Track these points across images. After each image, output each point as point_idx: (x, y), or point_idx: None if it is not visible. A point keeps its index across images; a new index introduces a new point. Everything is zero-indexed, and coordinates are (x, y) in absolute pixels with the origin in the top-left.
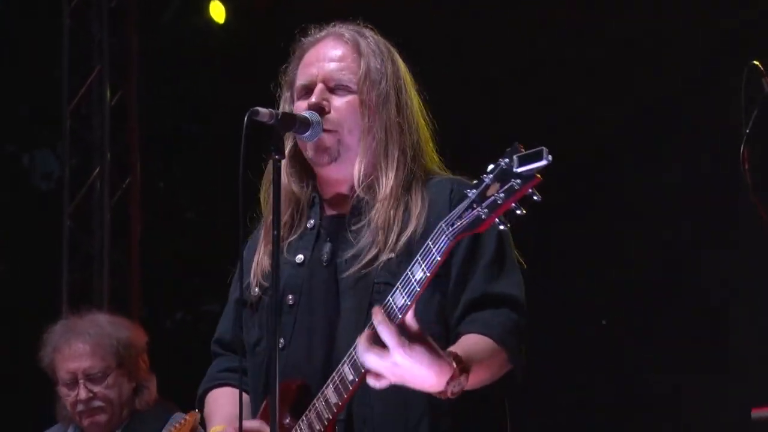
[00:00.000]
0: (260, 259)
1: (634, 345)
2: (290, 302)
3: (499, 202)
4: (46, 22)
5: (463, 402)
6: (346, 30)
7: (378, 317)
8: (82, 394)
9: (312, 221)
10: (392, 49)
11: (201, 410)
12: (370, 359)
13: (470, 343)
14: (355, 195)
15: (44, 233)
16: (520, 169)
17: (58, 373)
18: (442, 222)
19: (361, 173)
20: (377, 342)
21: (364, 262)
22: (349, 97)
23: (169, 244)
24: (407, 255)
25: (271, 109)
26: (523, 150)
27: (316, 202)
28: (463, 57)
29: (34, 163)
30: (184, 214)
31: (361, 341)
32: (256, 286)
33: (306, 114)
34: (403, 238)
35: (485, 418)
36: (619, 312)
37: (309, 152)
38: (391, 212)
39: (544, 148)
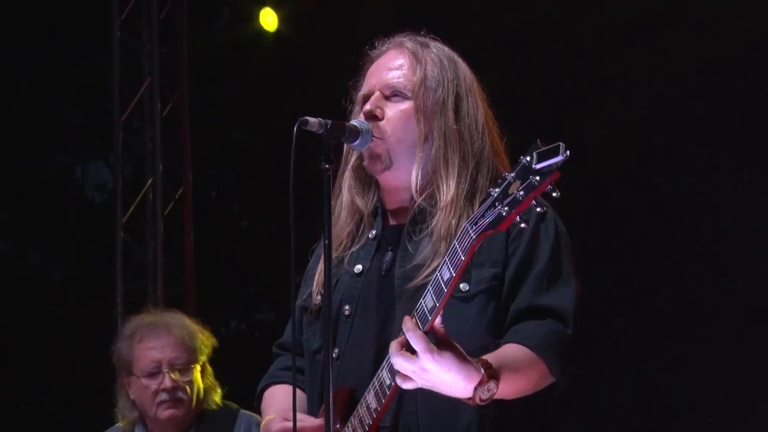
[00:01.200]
0: (322, 269)
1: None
2: (347, 312)
3: (519, 199)
4: (97, 34)
5: (510, 414)
6: (408, 40)
7: (407, 324)
8: (167, 382)
9: (374, 231)
10: (457, 59)
11: (259, 406)
12: (399, 362)
13: (506, 351)
14: (415, 204)
15: (98, 244)
16: (538, 166)
17: (140, 363)
18: (466, 222)
19: (419, 180)
20: (408, 348)
21: (425, 273)
22: (404, 105)
23: (222, 253)
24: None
25: (320, 119)
26: (542, 146)
27: (378, 213)
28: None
29: (87, 175)
30: (238, 222)
31: (393, 346)
32: (318, 294)
33: (355, 122)
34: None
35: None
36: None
37: (365, 161)
38: (453, 221)
39: (561, 143)
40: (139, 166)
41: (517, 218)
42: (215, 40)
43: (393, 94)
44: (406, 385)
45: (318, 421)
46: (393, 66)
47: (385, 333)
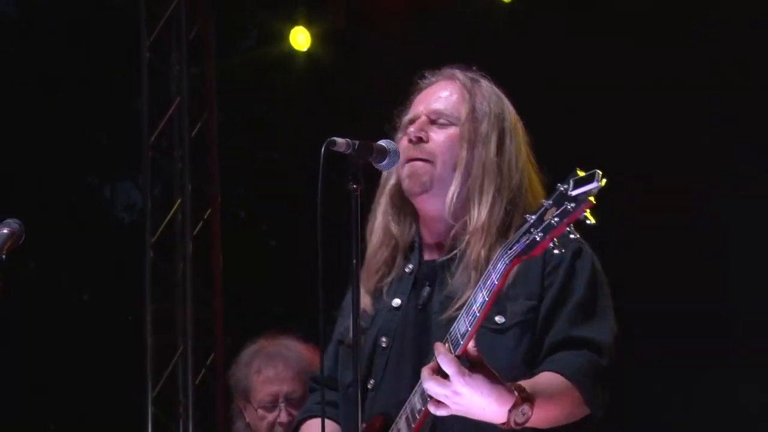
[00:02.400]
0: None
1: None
2: (383, 345)
3: (553, 224)
4: (126, 54)
5: None
6: (459, 72)
7: (439, 349)
8: (284, 417)
9: (411, 266)
10: (504, 98)
11: None
12: (431, 387)
13: (541, 378)
14: (451, 235)
15: (127, 264)
16: (574, 192)
17: (257, 395)
18: (501, 248)
19: (453, 203)
20: (440, 373)
21: (457, 305)
22: (450, 130)
23: (251, 272)
24: (498, 299)
25: (348, 139)
26: (579, 174)
27: (416, 247)
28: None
29: (116, 195)
30: (266, 242)
31: (424, 371)
32: None
33: (383, 143)
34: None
35: None
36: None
37: (404, 181)
38: (483, 252)
39: (597, 171)
40: (168, 187)
41: (551, 244)
42: (244, 60)
43: (439, 119)
44: (440, 412)
45: None
46: (442, 94)
47: (420, 365)
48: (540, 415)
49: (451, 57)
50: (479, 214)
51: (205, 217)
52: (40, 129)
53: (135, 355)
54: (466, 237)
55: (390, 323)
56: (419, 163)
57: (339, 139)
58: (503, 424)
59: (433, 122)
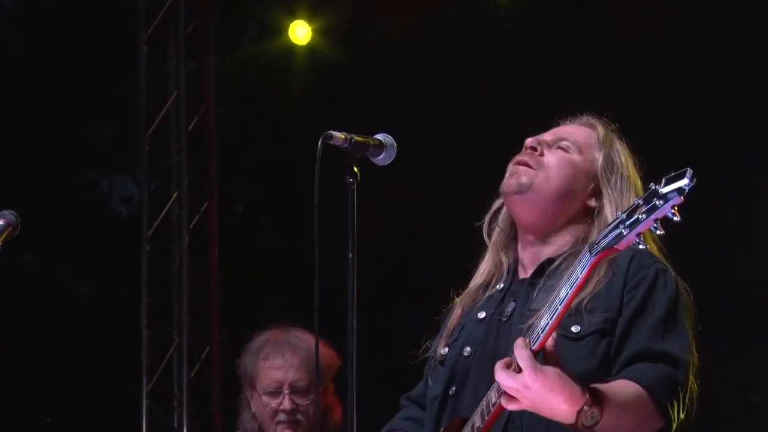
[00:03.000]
0: (449, 321)
1: None
2: (466, 354)
3: (640, 220)
4: (124, 48)
5: None
6: (599, 123)
7: (518, 342)
8: (287, 404)
9: (501, 284)
10: (627, 149)
11: None
12: (503, 378)
13: (616, 384)
14: (545, 258)
15: (124, 257)
16: (664, 190)
17: (262, 381)
18: (587, 245)
19: (555, 227)
20: (515, 368)
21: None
22: (565, 154)
23: (247, 266)
24: (576, 311)
25: (345, 133)
26: (672, 172)
27: (511, 270)
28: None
29: (114, 188)
30: (263, 236)
31: (499, 363)
32: (445, 345)
33: (380, 137)
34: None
35: None
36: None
37: (506, 175)
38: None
39: (689, 168)
40: (165, 180)
41: (636, 239)
42: (243, 54)
43: (558, 142)
44: (511, 406)
45: None
46: (570, 129)
47: None
48: (610, 420)
49: (452, 53)
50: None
51: (202, 210)
52: (38, 122)
53: (131, 347)
54: (570, 265)
55: (474, 334)
56: (524, 167)
57: (336, 133)
58: (571, 425)
59: (550, 145)
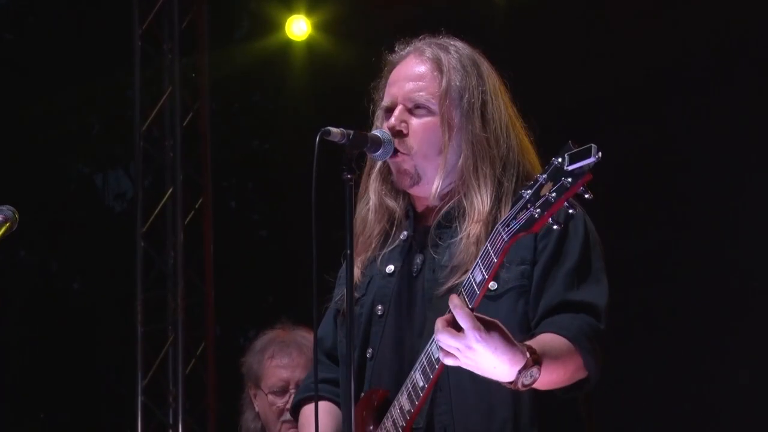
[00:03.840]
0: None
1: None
2: (379, 313)
3: (551, 200)
4: (118, 43)
5: (544, 410)
6: (428, 46)
7: (454, 301)
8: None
9: (405, 233)
10: (479, 60)
11: (296, 418)
12: (445, 338)
13: (545, 339)
14: (444, 207)
15: (118, 253)
16: (570, 167)
17: (268, 380)
18: (498, 224)
19: (440, 189)
20: (454, 326)
21: (454, 278)
22: (428, 119)
23: (242, 262)
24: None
25: (342, 128)
26: (574, 147)
27: (410, 215)
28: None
29: (107, 184)
30: (257, 232)
31: (438, 322)
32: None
33: (377, 133)
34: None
35: (569, 429)
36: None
37: (393, 175)
38: (480, 227)
39: (593, 145)
40: (159, 176)
41: (550, 220)
42: (238, 49)
43: (416, 107)
44: (448, 361)
45: None
46: (413, 76)
47: (415, 335)
48: (545, 377)
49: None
50: (479, 198)
51: (197, 206)
52: (31, 116)
53: (125, 343)
54: (464, 216)
55: (384, 290)
56: (402, 158)
57: (333, 129)
58: (510, 383)
59: (410, 111)
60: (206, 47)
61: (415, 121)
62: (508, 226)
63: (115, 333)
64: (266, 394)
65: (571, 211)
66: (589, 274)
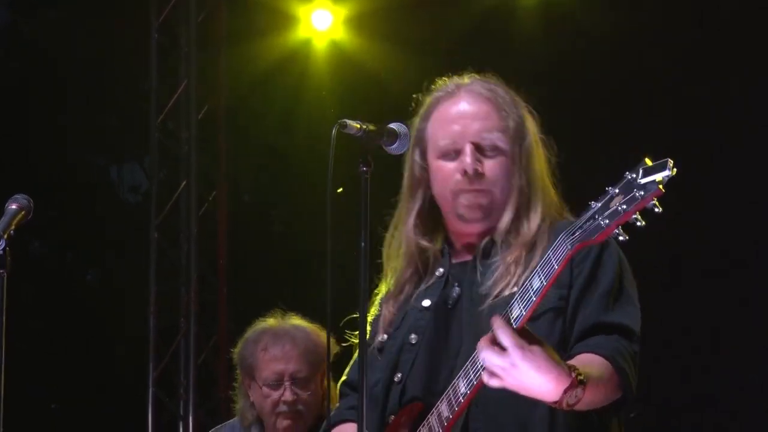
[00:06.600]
0: (383, 310)
1: None
2: (412, 341)
3: (620, 211)
4: (135, 35)
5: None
6: (480, 86)
7: (497, 321)
8: (288, 395)
9: (441, 269)
10: (517, 98)
11: None
12: (489, 357)
13: (586, 359)
14: (484, 241)
15: (132, 245)
16: (643, 180)
17: (262, 373)
18: (562, 233)
19: (508, 226)
20: (498, 346)
21: (490, 300)
22: (502, 158)
23: (255, 256)
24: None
25: (359, 122)
26: (648, 162)
27: (446, 253)
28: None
29: (122, 177)
30: (272, 226)
31: (482, 342)
32: (384, 333)
33: (394, 126)
34: (526, 273)
35: None
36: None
37: (461, 210)
38: (523, 251)
39: (669, 159)
40: (173, 169)
41: (616, 231)
42: (255, 41)
43: (486, 149)
44: (493, 383)
45: None
46: (479, 115)
47: (451, 357)
48: (587, 397)
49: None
50: (529, 229)
51: (210, 199)
52: (47, 109)
53: (138, 335)
54: (509, 246)
55: (419, 322)
56: (481, 194)
57: (350, 122)
58: (555, 403)
59: (481, 151)
60: (223, 40)
61: (489, 161)
62: (572, 234)
63: (128, 325)
64: (260, 387)
65: (638, 224)
66: (622, 297)
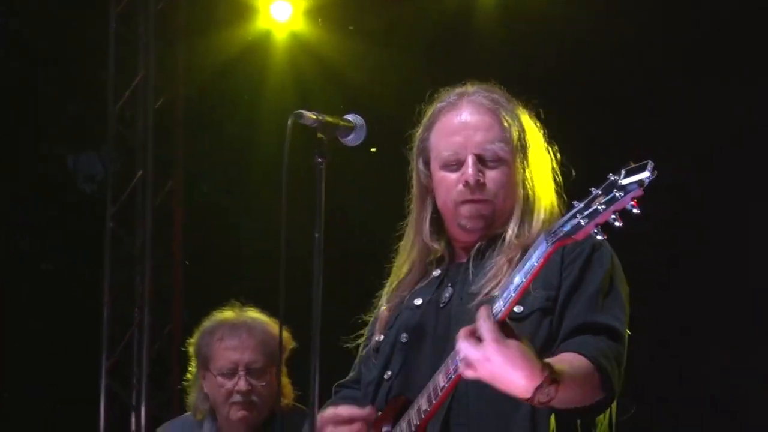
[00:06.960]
0: (381, 312)
1: None
2: (403, 340)
3: (599, 210)
4: (93, 25)
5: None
6: (482, 96)
7: (482, 312)
8: (242, 385)
9: (438, 270)
10: (520, 106)
11: None
12: (465, 347)
13: (565, 358)
14: (480, 242)
15: (87, 234)
16: (624, 181)
17: (217, 362)
18: (543, 231)
19: (515, 233)
20: (477, 338)
21: (479, 299)
22: (503, 168)
23: (211, 246)
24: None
25: (315, 112)
26: (632, 164)
27: (446, 255)
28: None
29: (79, 166)
30: (228, 217)
31: (461, 332)
32: (381, 334)
33: (350, 117)
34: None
35: None
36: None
37: (462, 220)
38: (516, 255)
39: (650, 161)
40: (130, 158)
41: (594, 230)
42: (214, 32)
43: (489, 160)
44: (468, 373)
45: (366, 411)
46: (481, 126)
47: (439, 356)
48: (561, 396)
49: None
50: (531, 232)
51: (167, 189)
52: (5, 97)
53: (91, 324)
54: (500, 250)
55: (410, 320)
56: (482, 204)
57: (306, 113)
58: (527, 399)
59: (483, 162)
60: (182, 30)
61: (491, 172)
62: (553, 233)
63: (82, 314)
64: (215, 376)
65: (599, 237)
66: (610, 299)
